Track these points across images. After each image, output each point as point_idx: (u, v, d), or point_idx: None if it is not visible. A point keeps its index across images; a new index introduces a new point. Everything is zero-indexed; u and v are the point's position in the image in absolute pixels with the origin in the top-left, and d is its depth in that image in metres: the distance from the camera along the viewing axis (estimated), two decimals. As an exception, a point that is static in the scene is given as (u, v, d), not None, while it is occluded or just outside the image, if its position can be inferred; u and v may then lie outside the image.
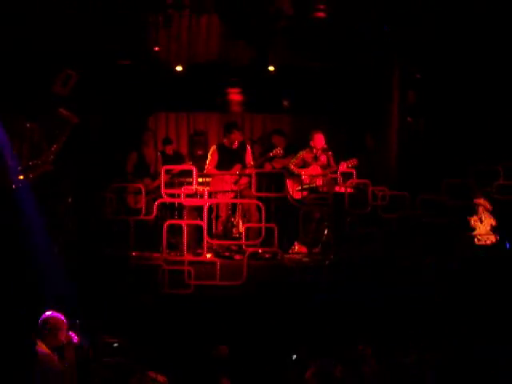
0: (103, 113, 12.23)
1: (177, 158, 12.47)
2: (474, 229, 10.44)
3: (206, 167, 11.22)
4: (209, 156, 11.30)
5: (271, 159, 11.75)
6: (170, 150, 12.59)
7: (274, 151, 11.25)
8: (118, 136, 12.31)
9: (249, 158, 11.23)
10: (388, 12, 11.38)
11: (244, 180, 11.03)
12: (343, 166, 10.97)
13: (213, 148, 11.37)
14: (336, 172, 11.00)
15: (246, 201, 10.87)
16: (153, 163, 11.58)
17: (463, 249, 10.26)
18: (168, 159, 12.07)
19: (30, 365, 6.84)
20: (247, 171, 10.96)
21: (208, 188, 10.79)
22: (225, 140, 11.35)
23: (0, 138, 9.81)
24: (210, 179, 11.24)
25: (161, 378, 8.06)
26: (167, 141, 12.91)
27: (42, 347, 6.89)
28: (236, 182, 11.05)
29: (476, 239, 10.39)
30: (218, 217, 10.91)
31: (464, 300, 9.55)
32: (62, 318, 7.16)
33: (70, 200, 10.56)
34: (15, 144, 10.41)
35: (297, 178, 11.20)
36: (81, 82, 10.88)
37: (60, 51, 10.72)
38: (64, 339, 7.03)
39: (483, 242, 10.39)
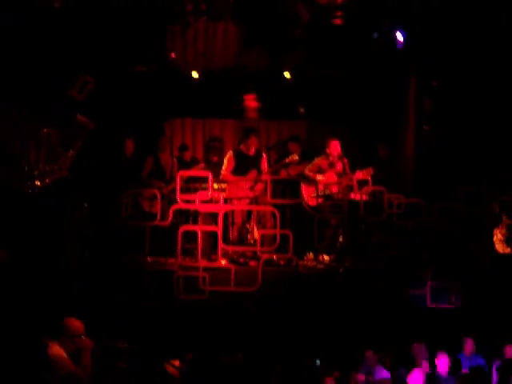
0: (119, 118, 12.28)
1: (193, 164, 12.51)
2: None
3: (222, 173, 11.22)
4: (225, 161, 11.30)
5: (287, 166, 11.74)
6: (187, 156, 12.62)
7: (290, 157, 11.24)
8: (134, 142, 12.32)
9: (264, 165, 11.22)
10: (404, 20, 11.36)
11: (259, 186, 11.02)
12: (359, 175, 10.95)
13: (229, 154, 11.36)
14: (351, 179, 10.97)
15: (261, 207, 10.87)
16: (168, 168, 11.60)
17: (479, 257, 10.23)
18: (185, 165, 12.10)
19: (38, 367, 6.87)
20: (263, 177, 10.95)
21: (223, 194, 10.78)
22: (242, 146, 11.35)
23: (19, 143, 9.91)
24: (226, 185, 11.24)
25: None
26: (184, 147, 12.95)
27: (57, 350, 6.90)
28: (252, 188, 11.04)
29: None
30: (233, 223, 10.92)
31: (480, 307, 9.52)
32: (80, 323, 7.18)
33: (86, 205, 10.61)
34: (32, 149, 10.47)
35: (312, 184, 11.18)
36: (97, 88, 10.92)
37: (77, 57, 10.77)
38: (81, 345, 7.04)
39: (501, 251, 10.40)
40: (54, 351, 6.86)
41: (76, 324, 7.11)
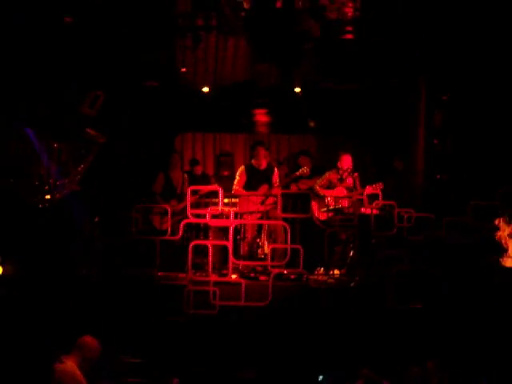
0: (130, 133, 12.32)
1: (204, 179, 12.53)
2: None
3: (233, 188, 11.22)
4: (237, 177, 11.30)
5: (298, 179, 11.75)
6: (198, 170, 12.65)
7: (301, 171, 11.22)
8: (144, 156, 12.37)
9: (276, 179, 11.22)
10: (414, 34, 11.37)
11: (270, 200, 11.02)
12: (369, 190, 10.94)
13: (241, 169, 11.36)
14: (362, 194, 10.95)
15: (271, 222, 10.87)
16: (179, 185, 11.61)
17: (490, 271, 10.18)
18: (196, 180, 12.12)
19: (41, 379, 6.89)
20: (273, 191, 10.95)
21: (234, 209, 10.78)
22: (253, 161, 11.34)
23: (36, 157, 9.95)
24: (237, 200, 11.25)
25: None
26: (195, 161, 12.98)
27: (69, 364, 6.89)
28: (263, 203, 11.04)
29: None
30: (244, 237, 10.92)
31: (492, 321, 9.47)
32: (98, 344, 7.18)
33: (96, 220, 10.63)
34: (43, 164, 10.52)
35: (322, 199, 11.19)
36: (108, 102, 10.97)
37: (88, 72, 10.81)
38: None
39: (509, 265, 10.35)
40: (69, 367, 6.86)
41: (94, 345, 7.10)
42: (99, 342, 7.16)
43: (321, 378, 8.64)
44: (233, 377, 8.78)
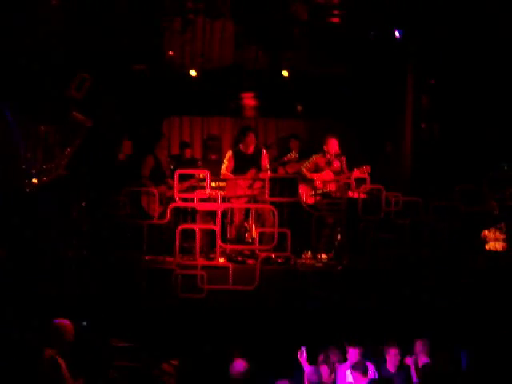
0: (117, 117, 12.27)
1: (192, 163, 12.52)
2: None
3: (222, 172, 11.21)
4: (225, 161, 11.28)
5: (286, 164, 11.75)
6: (187, 153, 12.62)
7: (289, 155, 11.23)
8: (131, 140, 12.34)
9: (265, 162, 11.19)
10: (401, 18, 11.37)
11: (258, 184, 11.02)
12: (356, 173, 10.94)
13: (229, 153, 11.34)
14: (349, 177, 10.96)
15: (259, 205, 10.88)
16: (167, 168, 11.58)
17: (476, 256, 10.24)
18: (183, 163, 12.09)
19: (34, 371, 6.88)
20: (261, 175, 10.95)
21: (222, 193, 10.77)
22: (240, 145, 11.32)
23: (15, 140, 9.88)
24: (225, 184, 11.24)
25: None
26: (185, 144, 12.94)
27: (50, 353, 6.90)
28: (250, 187, 11.04)
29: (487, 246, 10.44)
30: (231, 221, 10.93)
31: (477, 309, 9.53)
32: (69, 322, 7.19)
33: (83, 204, 10.60)
34: (29, 147, 10.46)
35: (310, 183, 11.20)
36: (95, 86, 10.91)
37: (75, 55, 10.75)
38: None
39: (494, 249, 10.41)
40: (47, 354, 6.85)
41: (66, 324, 7.10)
42: (70, 321, 7.17)
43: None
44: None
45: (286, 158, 11.25)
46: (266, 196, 10.41)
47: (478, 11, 11.07)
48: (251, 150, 11.22)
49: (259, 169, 11.08)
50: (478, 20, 11.14)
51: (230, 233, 10.92)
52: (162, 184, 11.17)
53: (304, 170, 11.30)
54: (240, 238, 10.97)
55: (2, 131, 10.34)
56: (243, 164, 11.11)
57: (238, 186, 11.05)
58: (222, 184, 11.35)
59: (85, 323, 8.79)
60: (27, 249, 9.55)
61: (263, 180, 10.67)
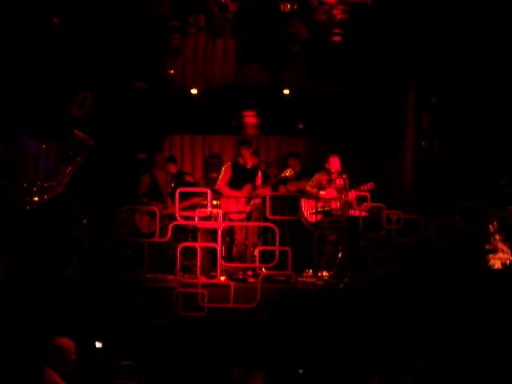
0: (118, 135, 12.29)
1: (179, 177, 12.51)
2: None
3: (217, 183, 11.24)
4: (222, 172, 11.35)
5: (284, 181, 11.76)
6: (171, 169, 12.62)
7: (284, 172, 11.22)
8: (132, 158, 12.36)
9: (259, 182, 11.26)
10: (403, 37, 11.39)
11: (256, 200, 11.06)
12: (359, 191, 10.95)
13: (227, 164, 11.42)
14: (351, 195, 10.95)
15: (261, 223, 10.88)
16: (164, 186, 11.60)
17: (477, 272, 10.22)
18: (184, 185, 12.11)
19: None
20: (259, 192, 10.99)
21: (221, 210, 10.75)
22: (239, 158, 11.37)
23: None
24: (220, 199, 11.23)
25: None
26: (171, 158, 12.85)
27: (51, 375, 6.84)
28: (248, 202, 11.06)
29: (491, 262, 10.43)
30: (232, 240, 10.92)
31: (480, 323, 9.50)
32: (71, 341, 7.14)
33: (84, 222, 10.60)
34: (30, 165, 10.48)
35: (311, 200, 11.18)
36: (97, 104, 10.94)
37: (76, 74, 10.79)
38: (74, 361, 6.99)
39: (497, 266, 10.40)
40: (48, 375, 6.79)
41: (68, 343, 7.04)
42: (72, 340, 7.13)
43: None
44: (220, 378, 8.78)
45: (282, 175, 11.25)
46: (268, 214, 10.43)
47: (478, 30, 11.08)
48: (249, 164, 11.26)
49: (254, 186, 11.12)
50: (478, 39, 11.15)
51: (232, 251, 10.94)
52: (157, 202, 11.20)
53: (308, 187, 11.30)
54: (241, 256, 10.96)
55: (4, 149, 10.37)
56: (240, 177, 11.15)
57: (233, 199, 11.07)
58: (217, 202, 11.32)
59: (99, 344, 8.79)
60: (27, 267, 9.54)
61: (261, 197, 10.71)
